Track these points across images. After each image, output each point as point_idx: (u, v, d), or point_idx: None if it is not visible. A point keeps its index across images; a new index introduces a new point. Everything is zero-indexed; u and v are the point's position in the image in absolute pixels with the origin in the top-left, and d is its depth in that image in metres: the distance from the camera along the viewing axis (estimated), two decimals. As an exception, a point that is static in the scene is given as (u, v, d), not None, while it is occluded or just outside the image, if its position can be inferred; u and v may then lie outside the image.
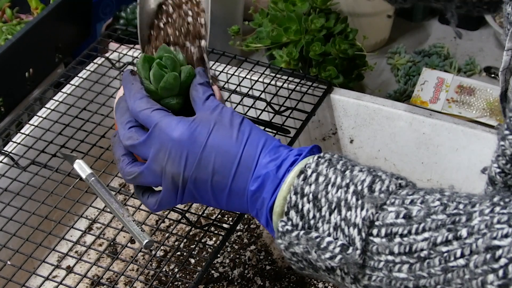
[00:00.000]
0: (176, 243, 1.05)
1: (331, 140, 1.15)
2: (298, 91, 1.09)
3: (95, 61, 1.13)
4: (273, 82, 1.10)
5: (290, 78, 1.10)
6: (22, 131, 1.02)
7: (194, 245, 1.04)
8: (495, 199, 0.53)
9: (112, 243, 1.01)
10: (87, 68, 1.12)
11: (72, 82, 1.10)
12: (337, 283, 0.62)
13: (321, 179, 0.61)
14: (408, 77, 1.34)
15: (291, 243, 0.61)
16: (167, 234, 0.91)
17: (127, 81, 0.72)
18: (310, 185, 0.61)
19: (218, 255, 1.03)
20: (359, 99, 1.09)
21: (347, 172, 0.61)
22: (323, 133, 1.15)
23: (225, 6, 1.32)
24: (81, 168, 0.85)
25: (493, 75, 1.36)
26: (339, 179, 0.60)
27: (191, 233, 1.06)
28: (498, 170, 0.59)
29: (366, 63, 1.24)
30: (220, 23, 1.32)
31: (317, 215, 0.60)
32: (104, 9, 1.38)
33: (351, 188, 0.59)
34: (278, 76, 1.10)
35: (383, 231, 0.57)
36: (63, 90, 1.08)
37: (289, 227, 0.61)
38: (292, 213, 0.61)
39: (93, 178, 0.84)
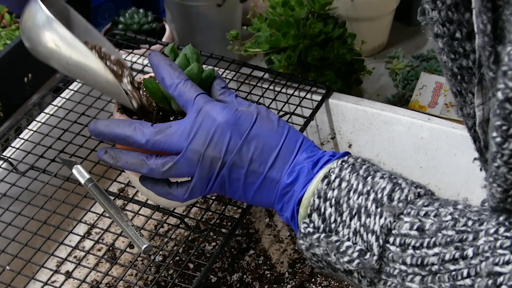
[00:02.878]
0: (175, 248, 1.05)
1: (330, 145, 1.15)
2: (297, 96, 1.09)
3: (94, 66, 1.13)
4: (271, 87, 1.10)
5: (289, 83, 1.10)
6: (21, 136, 1.02)
7: (192, 250, 1.04)
8: (501, 218, 0.55)
9: (111, 248, 1.02)
10: (86, 73, 1.12)
11: (71, 87, 1.10)
12: (354, 285, 0.64)
13: (343, 184, 0.63)
14: (406, 82, 1.34)
15: (311, 245, 0.63)
16: (166, 239, 0.92)
17: (160, 59, 0.73)
18: (333, 190, 0.63)
19: (217, 260, 1.03)
20: (357, 104, 1.10)
21: (369, 179, 0.63)
22: (321, 138, 1.15)
23: (223, 11, 1.33)
24: (80, 173, 0.85)
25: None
26: (360, 186, 0.63)
27: (190, 238, 1.06)
28: None
29: (364, 67, 1.24)
30: (219, 28, 1.33)
31: (338, 219, 0.62)
32: (103, 14, 1.38)
33: (372, 196, 0.62)
34: (276, 81, 1.11)
35: (397, 240, 0.59)
36: (62, 95, 1.08)
37: (311, 229, 0.63)
38: (315, 216, 0.64)
39: (92, 183, 0.84)
